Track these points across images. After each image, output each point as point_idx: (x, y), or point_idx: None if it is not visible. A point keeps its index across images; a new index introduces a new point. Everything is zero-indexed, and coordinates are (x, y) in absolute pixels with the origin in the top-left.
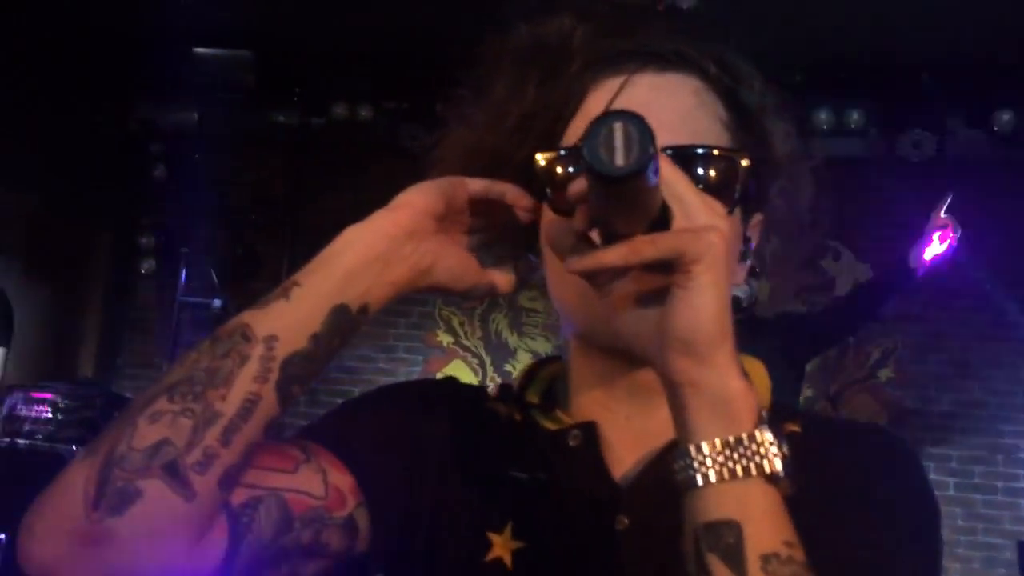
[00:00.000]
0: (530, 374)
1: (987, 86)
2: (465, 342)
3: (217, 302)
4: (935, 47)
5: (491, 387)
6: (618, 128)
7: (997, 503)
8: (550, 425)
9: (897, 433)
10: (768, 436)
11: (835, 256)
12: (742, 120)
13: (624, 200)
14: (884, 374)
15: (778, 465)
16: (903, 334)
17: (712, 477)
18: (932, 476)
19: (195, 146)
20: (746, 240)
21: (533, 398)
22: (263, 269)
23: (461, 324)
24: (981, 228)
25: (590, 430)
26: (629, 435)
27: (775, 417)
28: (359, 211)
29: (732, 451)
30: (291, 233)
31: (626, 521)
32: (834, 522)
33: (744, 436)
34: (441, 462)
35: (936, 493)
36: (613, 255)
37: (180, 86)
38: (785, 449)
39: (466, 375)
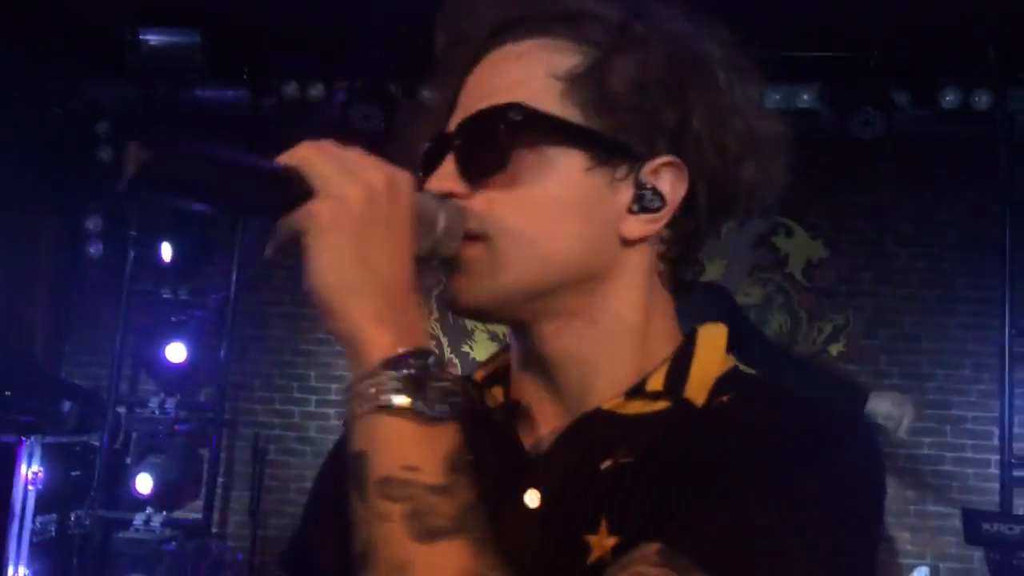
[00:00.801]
0: (494, 355)
1: (932, 64)
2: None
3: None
4: (881, 26)
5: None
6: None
7: (945, 473)
8: (489, 404)
9: (845, 410)
10: (391, 373)
11: (788, 233)
12: (599, 71)
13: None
14: (835, 348)
15: (396, 400)
16: (854, 309)
17: (349, 415)
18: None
19: (142, 127)
20: (641, 186)
21: (478, 377)
22: (214, 252)
23: (422, 269)
24: (929, 205)
25: (513, 407)
26: (549, 408)
27: (721, 384)
28: None
29: (358, 390)
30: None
31: (537, 497)
32: (713, 490)
33: (366, 376)
34: None
35: (871, 474)
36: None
37: (126, 65)
38: (432, 388)
39: None
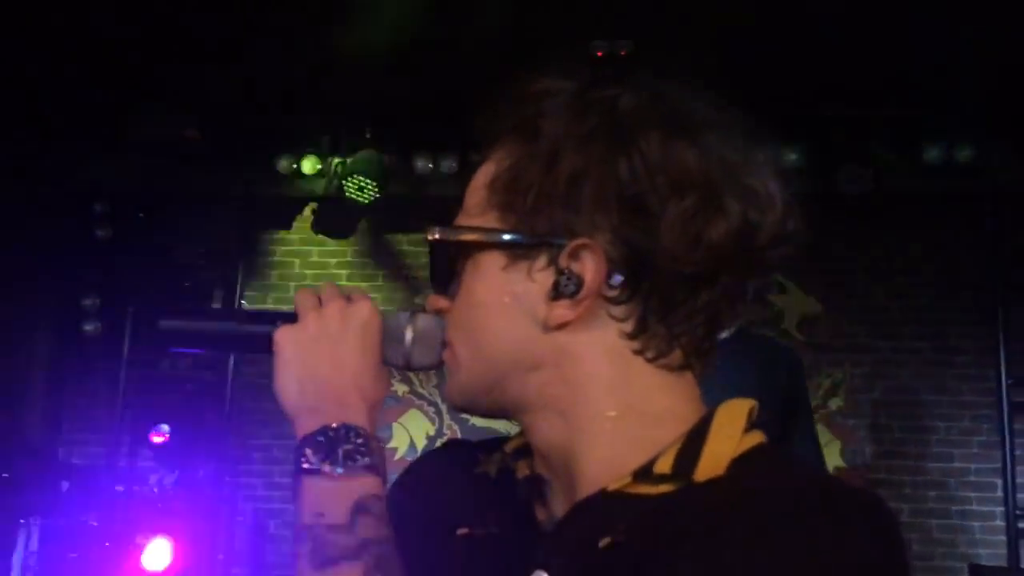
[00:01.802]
0: None
1: (915, 121)
2: (420, 390)
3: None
4: (864, 85)
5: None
6: None
7: (951, 527)
8: (518, 476)
9: (864, 497)
10: (309, 446)
11: (781, 289)
12: (511, 171)
13: None
14: (835, 403)
15: (304, 465)
16: (851, 364)
17: None
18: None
19: (140, 204)
20: (560, 272)
21: (509, 448)
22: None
23: (416, 373)
24: (919, 258)
25: (534, 482)
26: (559, 488)
27: (736, 465)
28: (308, 263)
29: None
30: (242, 287)
31: None
32: (688, 569)
33: (295, 450)
34: (415, 535)
35: (884, 567)
36: None
37: (124, 145)
38: (342, 452)
39: (422, 424)
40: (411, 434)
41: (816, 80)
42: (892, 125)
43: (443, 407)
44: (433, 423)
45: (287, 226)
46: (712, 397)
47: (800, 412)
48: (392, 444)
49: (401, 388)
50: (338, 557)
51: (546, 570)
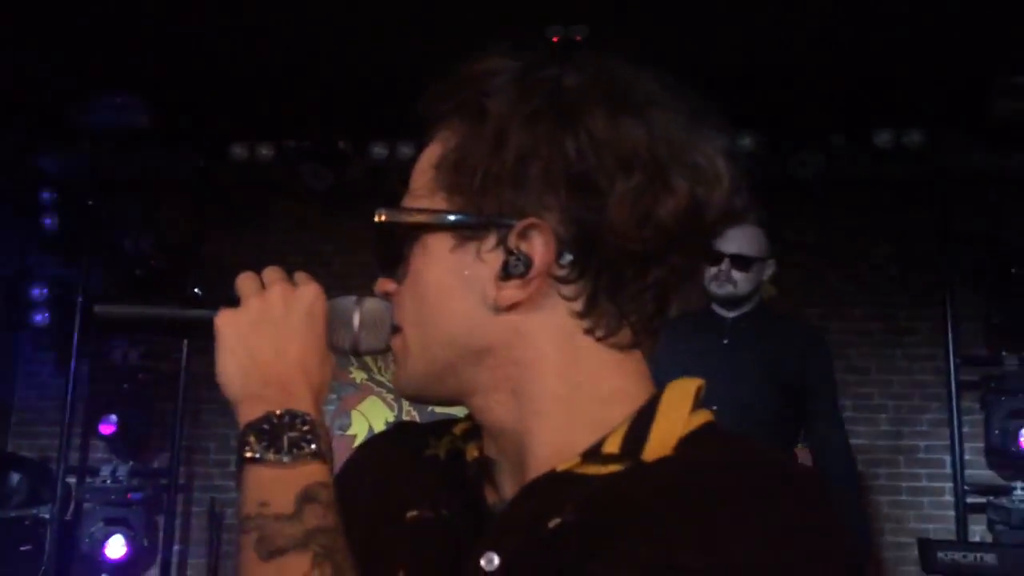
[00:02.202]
0: None
1: (866, 107)
2: (379, 377)
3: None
4: (817, 72)
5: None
6: None
7: (901, 503)
8: (467, 458)
9: (807, 476)
10: (251, 433)
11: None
12: (458, 151)
13: None
14: None
15: (250, 452)
16: None
17: None
18: None
19: (88, 193)
20: (509, 252)
21: (458, 430)
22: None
23: (374, 360)
24: (870, 241)
25: (486, 462)
26: (508, 470)
27: (684, 444)
28: (264, 253)
29: (237, 450)
30: (194, 278)
31: (496, 559)
32: (627, 544)
33: (237, 438)
34: (364, 521)
35: (820, 542)
36: None
37: (71, 132)
38: (286, 439)
39: (381, 411)
40: (370, 421)
41: (768, 66)
42: (843, 110)
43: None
44: (392, 410)
45: (241, 213)
46: (726, 376)
47: (820, 392)
48: (351, 431)
49: (360, 376)
50: (285, 547)
51: (496, 551)
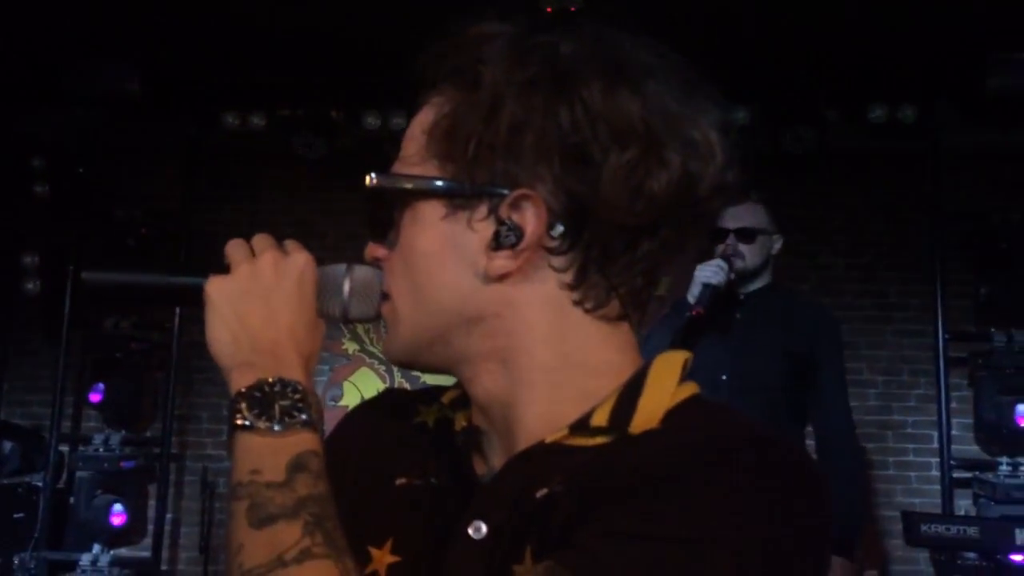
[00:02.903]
0: None
1: (860, 81)
2: (371, 348)
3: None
4: (811, 46)
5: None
6: None
7: (888, 478)
8: (456, 427)
9: (790, 451)
10: (242, 401)
11: None
12: (450, 118)
13: None
14: None
15: (242, 420)
16: None
17: None
18: None
19: (80, 160)
20: (500, 222)
21: (447, 399)
22: None
23: (366, 331)
24: (862, 216)
25: (471, 433)
26: (497, 440)
27: (670, 416)
28: (255, 223)
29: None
30: (186, 247)
31: (484, 527)
32: (613, 512)
33: (228, 406)
34: (352, 487)
35: (801, 518)
36: None
37: (63, 99)
38: (277, 408)
39: (373, 383)
40: (362, 393)
41: (762, 40)
42: (837, 85)
43: (394, 366)
44: (384, 381)
45: (232, 183)
46: (735, 348)
47: (824, 366)
48: (343, 402)
49: (352, 347)
50: (276, 515)
51: (484, 520)
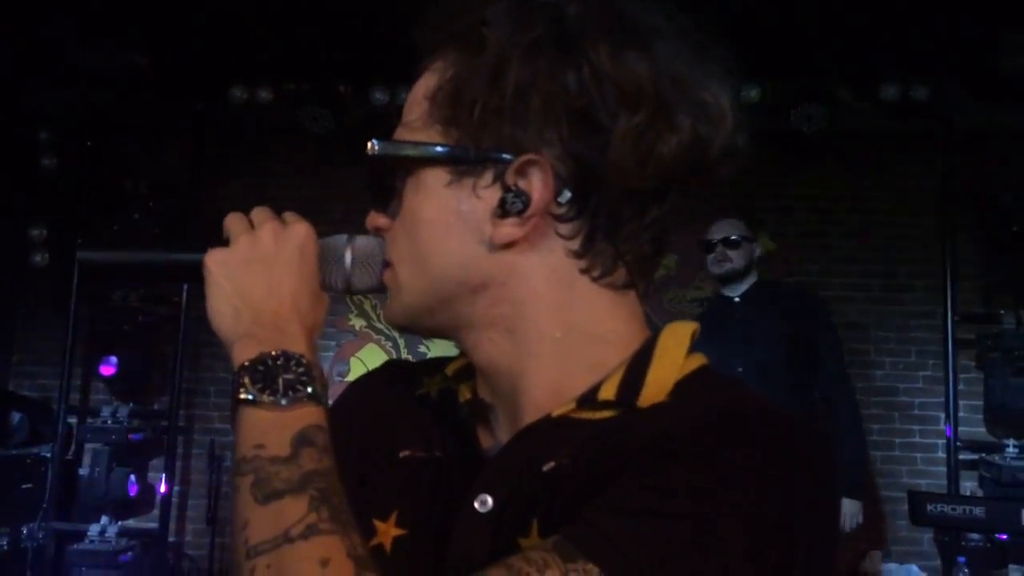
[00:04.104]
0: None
1: (872, 60)
2: (378, 324)
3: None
4: (822, 23)
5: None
6: None
7: (895, 459)
8: (460, 399)
9: (799, 425)
10: (246, 375)
11: None
12: (453, 83)
13: None
14: None
15: (246, 395)
16: None
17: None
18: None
19: (87, 134)
20: (507, 189)
21: (450, 370)
22: None
23: (373, 307)
24: (872, 196)
25: (476, 406)
26: (502, 412)
27: (679, 389)
28: (263, 197)
29: (232, 392)
30: (193, 220)
31: (489, 500)
32: (622, 487)
33: (232, 380)
34: (356, 459)
35: (807, 492)
36: None
37: (70, 71)
38: (281, 381)
39: (380, 358)
40: (368, 368)
41: (774, 18)
42: (849, 63)
43: (401, 341)
44: (391, 357)
45: (240, 157)
46: (743, 341)
47: (820, 340)
48: (349, 378)
49: (359, 323)
50: (282, 490)
51: (490, 493)
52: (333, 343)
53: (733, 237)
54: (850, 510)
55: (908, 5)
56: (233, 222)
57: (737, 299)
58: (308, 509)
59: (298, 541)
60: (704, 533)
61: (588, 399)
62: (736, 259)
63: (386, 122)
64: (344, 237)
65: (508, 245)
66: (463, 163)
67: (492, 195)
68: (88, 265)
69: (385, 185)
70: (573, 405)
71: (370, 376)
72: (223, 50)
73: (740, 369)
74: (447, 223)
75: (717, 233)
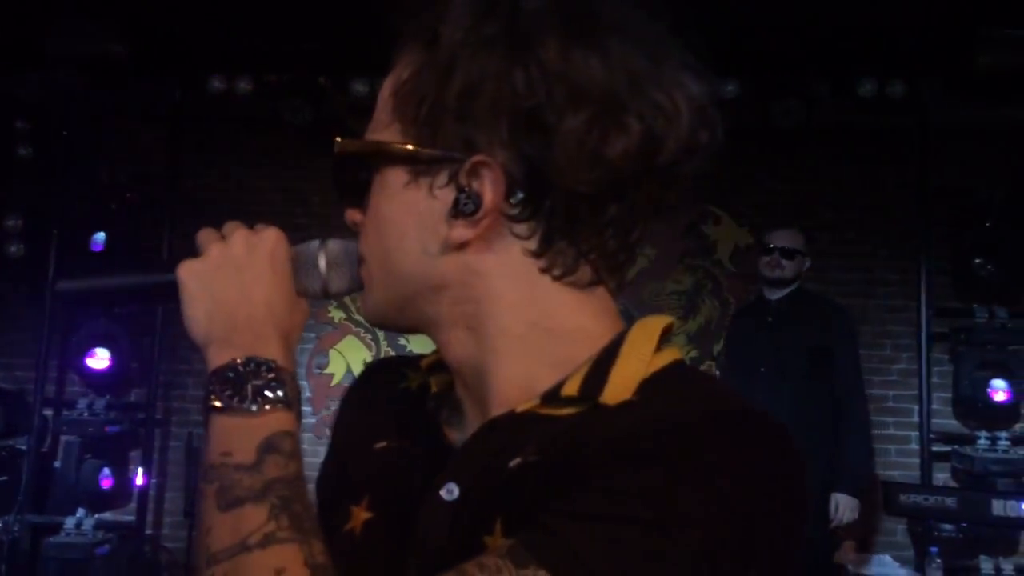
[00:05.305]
0: None
1: (850, 56)
2: (357, 317)
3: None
4: (801, 19)
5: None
6: None
7: None
8: (432, 390)
9: (766, 424)
10: (216, 381)
11: (715, 221)
12: (412, 82)
13: None
14: None
15: (215, 401)
16: None
17: None
18: None
19: (63, 122)
20: (460, 189)
21: (425, 364)
22: (142, 250)
23: (352, 299)
24: (848, 191)
25: (444, 398)
26: (470, 405)
27: (646, 386)
28: (241, 188)
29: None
30: (170, 211)
31: (456, 490)
32: (581, 489)
33: (204, 386)
34: (339, 453)
35: (775, 493)
36: None
37: (47, 60)
38: (250, 387)
39: (359, 351)
40: (348, 361)
41: (752, 13)
42: (827, 59)
43: (380, 333)
44: (370, 349)
45: (218, 147)
46: (770, 344)
47: (840, 354)
48: (329, 370)
49: (338, 315)
50: (243, 498)
51: (456, 482)
52: (313, 335)
53: (790, 248)
54: (848, 505)
55: (885, 2)
56: (204, 235)
57: (773, 303)
58: (268, 517)
59: (255, 550)
60: (659, 539)
61: (552, 395)
62: (788, 268)
63: (365, 114)
64: (316, 242)
65: (463, 246)
66: (419, 163)
67: (447, 195)
68: (69, 296)
69: (359, 180)
70: (537, 401)
71: (364, 375)
72: (202, 39)
73: (762, 369)
74: (405, 223)
75: (777, 241)
